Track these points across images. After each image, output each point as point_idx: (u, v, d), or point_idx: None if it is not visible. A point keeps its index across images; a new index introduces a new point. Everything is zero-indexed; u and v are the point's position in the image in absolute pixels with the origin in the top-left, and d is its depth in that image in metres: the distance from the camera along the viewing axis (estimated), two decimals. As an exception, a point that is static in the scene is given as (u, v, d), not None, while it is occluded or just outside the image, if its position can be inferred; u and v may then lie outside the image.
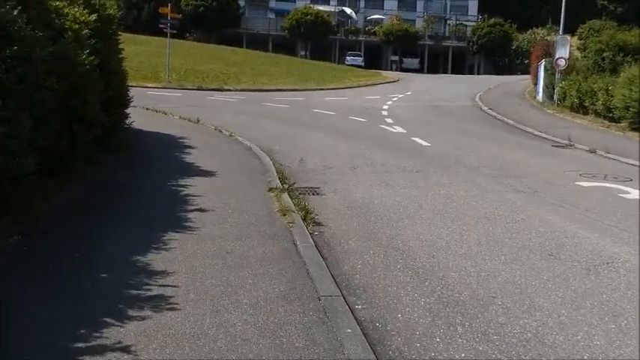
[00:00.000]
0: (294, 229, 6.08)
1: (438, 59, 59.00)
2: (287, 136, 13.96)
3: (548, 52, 27.54)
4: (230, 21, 52.59)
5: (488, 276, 5.19)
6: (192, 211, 6.63)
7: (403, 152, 12.27)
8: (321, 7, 55.68)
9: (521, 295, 4.78)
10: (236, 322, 3.91)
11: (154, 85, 26.70)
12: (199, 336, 3.69)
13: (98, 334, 3.64)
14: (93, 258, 5.10)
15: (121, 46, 10.35)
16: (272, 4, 59.26)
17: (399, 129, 16.22)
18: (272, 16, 58.17)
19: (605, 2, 72.37)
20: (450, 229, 6.68)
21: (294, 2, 57.59)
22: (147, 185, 8.18)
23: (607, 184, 9.65)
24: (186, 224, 6.11)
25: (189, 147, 11.32)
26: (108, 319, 3.84)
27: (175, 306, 4.11)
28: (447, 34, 59.46)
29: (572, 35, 40.26)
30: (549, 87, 25.25)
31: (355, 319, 4.10)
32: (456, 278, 5.11)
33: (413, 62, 57.17)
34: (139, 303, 4.12)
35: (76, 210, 6.62)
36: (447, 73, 55.15)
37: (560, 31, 25.83)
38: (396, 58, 57.65)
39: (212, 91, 26.73)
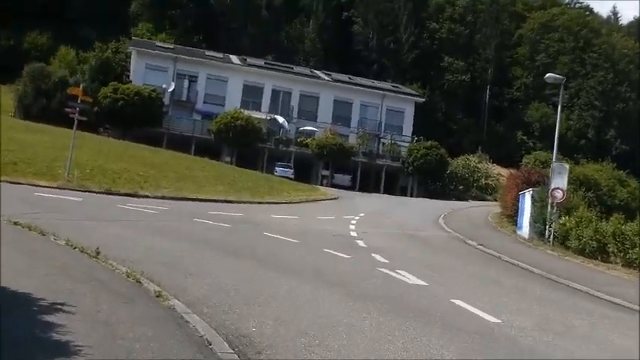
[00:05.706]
0: None
1: (370, 177, 55.67)
2: (258, 293, 8.04)
3: (530, 181, 23.99)
4: (152, 119, 47.04)
5: None
6: None
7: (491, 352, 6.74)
8: (253, 113, 51.53)
9: None
10: None
11: (47, 184, 20.38)
12: None
13: None
14: None
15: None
16: (199, 105, 54.57)
17: (409, 277, 10.92)
18: (198, 117, 53.30)
19: (525, 137, 73.89)
20: None
21: (223, 106, 53.19)
22: None
23: None
24: None
25: (61, 347, 4.53)
26: None
27: None
28: (381, 153, 56.54)
29: (518, 167, 37.85)
30: (538, 222, 21.26)
31: None
32: None
33: (345, 179, 53.50)
34: None
35: None
36: (379, 193, 51.60)
37: (554, 157, 22.28)
38: (327, 172, 53.81)
39: (124, 197, 20.68)
